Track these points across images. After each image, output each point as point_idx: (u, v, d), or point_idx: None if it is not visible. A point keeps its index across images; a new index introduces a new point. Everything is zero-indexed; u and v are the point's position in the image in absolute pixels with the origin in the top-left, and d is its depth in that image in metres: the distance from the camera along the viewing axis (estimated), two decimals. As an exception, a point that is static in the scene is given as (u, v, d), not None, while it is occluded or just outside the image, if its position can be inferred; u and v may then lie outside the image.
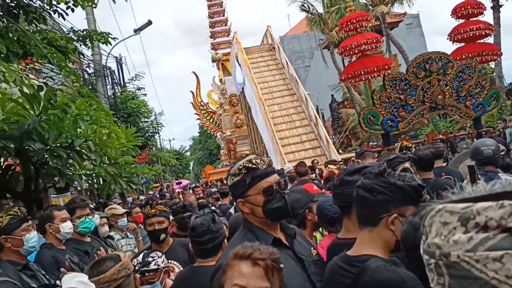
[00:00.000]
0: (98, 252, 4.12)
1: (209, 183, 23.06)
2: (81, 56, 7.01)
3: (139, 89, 17.45)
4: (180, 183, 22.49)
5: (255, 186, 2.17)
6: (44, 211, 3.88)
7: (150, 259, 2.96)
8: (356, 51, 10.76)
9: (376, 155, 6.76)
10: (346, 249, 2.06)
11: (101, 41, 6.35)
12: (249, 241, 2.01)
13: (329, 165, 11.31)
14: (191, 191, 10.31)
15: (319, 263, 2.30)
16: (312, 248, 2.40)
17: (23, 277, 2.92)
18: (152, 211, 3.92)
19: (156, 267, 2.93)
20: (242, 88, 23.67)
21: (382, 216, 1.84)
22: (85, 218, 4.17)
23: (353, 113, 30.57)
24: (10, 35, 4.93)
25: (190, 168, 68.76)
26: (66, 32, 6.40)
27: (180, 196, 12.57)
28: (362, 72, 10.51)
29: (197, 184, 24.28)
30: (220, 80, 36.85)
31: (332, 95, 38.82)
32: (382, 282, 1.73)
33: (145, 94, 18.02)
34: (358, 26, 10.85)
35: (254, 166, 2.17)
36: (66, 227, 3.79)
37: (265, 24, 30.10)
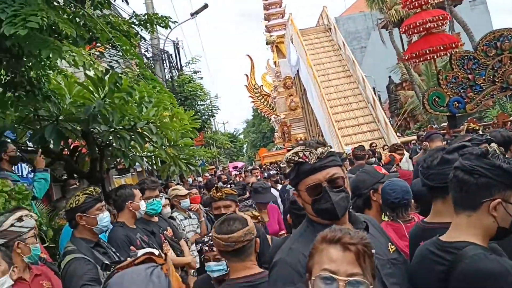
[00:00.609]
0: (165, 232, 4.19)
1: (263, 166, 23.12)
2: (139, 41, 7.10)
3: (195, 72, 17.65)
4: (236, 166, 22.72)
5: (303, 181, 1.97)
6: (124, 189, 3.98)
7: None
8: (421, 29, 10.25)
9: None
10: (438, 234, 1.91)
11: (161, 25, 6.39)
12: (307, 238, 1.92)
13: (384, 151, 10.98)
14: (249, 173, 10.32)
15: (396, 262, 2.01)
16: (389, 243, 2.11)
17: (95, 254, 3.01)
18: (218, 194, 3.75)
19: None
20: (297, 70, 23.43)
21: (483, 200, 1.69)
22: (153, 200, 4.23)
23: (412, 95, 29.55)
24: (77, 20, 5.03)
25: (244, 151, 69.40)
26: (128, 17, 6.48)
27: (237, 178, 12.68)
28: (427, 51, 10.02)
29: (254, 166, 24.47)
30: (274, 62, 36.64)
31: (390, 77, 37.65)
32: (483, 272, 1.59)
33: (201, 78, 18.26)
34: (423, 3, 10.32)
35: (300, 159, 1.96)
36: (143, 205, 3.90)
37: (319, 5, 29.48)
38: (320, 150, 1.96)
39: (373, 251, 1.54)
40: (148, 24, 6.36)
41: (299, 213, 2.85)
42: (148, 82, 5.11)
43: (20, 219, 2.83)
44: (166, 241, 4.01)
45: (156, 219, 4.35)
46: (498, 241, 1.79)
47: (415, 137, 16.14)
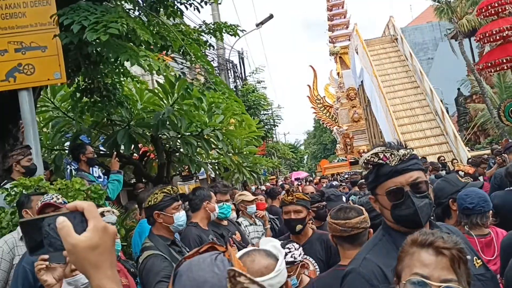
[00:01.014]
0: (234, 236, 4.22)
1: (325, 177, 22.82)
2: (207, 49, 7.28)
3: (259, 82, 17.83)
4: (298, 176, 22.58)
5: (382, 185, 1.82)
6: (201, 190, 4.10)
7: (286, 250, 2.74)
8: (497, 38, 9.72)
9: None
10: None
11: (230, 33, 6.50)
12: (383, 247, 1.83)
13: (455, 161, 10.51)
14: (306, 183, 10.18)
15: (483, 278, 1.85)
16: (475, 257, 1.91)
17: (172, 252, 3.07)
18: (289, 198, 3.59)
19: (292, 259, 2.73)
20: (361, 82, 23.05)
21: None
22: (223, 204, 4.29)
23: (482, 108, 28.13)
24: (152, 28, 5.21)
25: (304, 162, 69.06)
26: (198, 26, 6.65)
27: (299, 188, 12.57)
28: (505, 60, 9.49)
29: (314, 177, 24.22)
30: (338, 73, 36.32)
31: (459, 89, 36.13)
32: None
33: (265, 87, 18.38)
34: (500, 10, 9.82)
35: (380, 161, 1.81)
36: (217, 208, 3.98)
37: (385, 16, 29.01)
38: (402, 151, 1.82)
39: (469, 257, 1.43)
40: (217, 32, 6.50)
41: None
42: (218, 89, 5.19)
43: (102, 214, 2.94)
44: (235, 245, 4.02)
45: (225, 222, 4.40)
46: None
47: (486, 152, 15.37)
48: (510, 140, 8.87)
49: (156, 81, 5.84)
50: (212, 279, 1.29)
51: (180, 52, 5.73)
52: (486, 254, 3.03)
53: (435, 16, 29.30)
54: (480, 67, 10.50)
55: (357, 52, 23.14)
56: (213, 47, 7.36)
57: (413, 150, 1.90)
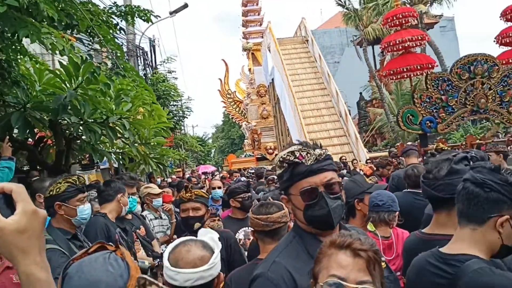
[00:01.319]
0: (138, 230, 4.04)
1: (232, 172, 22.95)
2: (117, 33, 6.91)
3: (170, 72, 17.41)
4: (206, 170, 22.43)
5: (296, 184, 1.78)
6: (116, 182, 3.84)
7: None
8: (400, 47, 10.39)
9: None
10: (438, 246, 1.85)
11: (142, 18, 6.22)
12: (293, 250, 1.80)
13: (354, 161, 11.10)
14: (217, 177, 10.14)
15: (387, 281, 1.79)
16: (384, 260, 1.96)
17: (72, 247, 2.83)
18: (187, 195, 3.43)
19: None
20: (272, 79, 23.46)
21: (491, 216, 1.64)
22: (130, 197, 4.08)
23: (381, 113, 30.08)
24: (56, 3, 4.81)
25: (211, 156, 69.00)
26: (108, 7, 6.28)
27: (206, 181, 12.50)
28: (405, 69, 10.17)
29: (220, 171, 24.25)
30: (249, 69, 36.64)
31: (361, 93, 38.28)
32: (488, 286, 1.53)
33: (176, 78, 18.02)
34: (404, 22, 10.50)
35: (296, 160, 1.77)
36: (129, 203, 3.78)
37: (297, 17, 29.76)
38: (318, 151, 1.80)
39: (383, 259, 1.46)
40: (128, 16, 6.17)
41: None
42: (127, 75, 4.92)
43: None
44: (138, 240, 3.85)
45: (129, 216, 4.20)
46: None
47: (383, 154, 16.39)
48: (405, 144, 9.49)
49: (59, 61, 5.40)
50: (107, 278, 1.23)
51: (88, 33, 5.37)
52: (387, 254, 3.19)
53: (343, 22, 30.72)
54: (383, 74, 11.16)
55: (269, 50, 23.50)
56: (124, 31, 7.00)
57: (327, 150, 1.89)
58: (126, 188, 4.12)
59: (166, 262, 1.84)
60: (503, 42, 10.62)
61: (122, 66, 4.81)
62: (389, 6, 22.90)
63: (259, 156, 29.99)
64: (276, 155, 24.78)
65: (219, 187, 6.21)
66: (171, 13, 16.10)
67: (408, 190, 4.54)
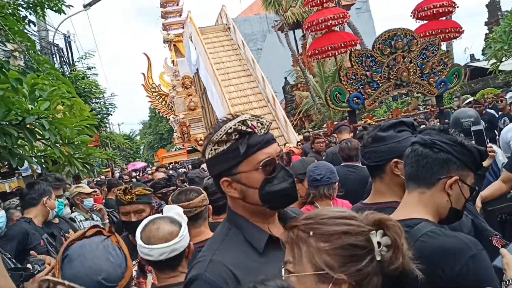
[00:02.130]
0: (66, 234, 3.71)
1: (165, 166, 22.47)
2: (28, 27, 6.38)
3: (89, 68, 16.54)
4: (135, 167, 21.74)
5: (249, 159, 1.52)
6: (40, 185, 3.49)
7: None
8: (323, 26, 10.50)
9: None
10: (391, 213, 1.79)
11: (53, 8, 5.77)
12: (232, 242, 1.58)
13: (287, 144, 11.22)
14: (156, 172, 9.75)
15: None
16: None
17: None
18: (127, 197, 2.99)
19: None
20: (197, 69, 23.11)
21: (440, 177, 1.58)
22: (57, 200, 3.73)
23: (307, 96, 30.65)
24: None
25: (140, 153, 67.29)
26: (13, -1, 5.74)
27: (143, 178, 12.04)
28: (329, 48, 10.28)
29: (153, 166, 23.62)
30: (172, 61, 35.91)
31: (285, 78, 38.81)
32: (443, 249, 1.45)
33: (96, 74, 17.15)
34: (325, 1, 10.60)
35: (249, 129, 1.52)
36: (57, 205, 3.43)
37: (217, 6, 29.52)
38: (266, 120, 1.59)
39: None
40: (38, 8, 5.69)
41: (212, 199, 2.80)
42: (41, 69, 4.50)
43: None
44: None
45: (56, 220, 3.85)
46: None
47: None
48: (334, 123, 9.64)
49: (-39, 61, 4.86)
50: (108, 268, 1.35)
51: (-9, 28, 4.86)
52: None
53: (263, 8, 30.80)
54: (309, 54, 11.23)
55: (191, 40, 23.09)
56: (34, 23, 6.45)
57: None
58: (52, 190, 3.79)
59: (139, 241, 2.01)
60: (419, 16, 11.06)
61: (34, 59, 4.39)
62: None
63: (189, 148, 29.54)
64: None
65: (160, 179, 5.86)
66: (85, 6, 15.28)
67: (343, 164, 4.64)
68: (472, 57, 31.54)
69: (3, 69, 4.35)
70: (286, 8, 28.39)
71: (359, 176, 4.19)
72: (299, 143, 11.62)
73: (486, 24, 30.92)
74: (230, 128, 1.52)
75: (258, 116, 1.60)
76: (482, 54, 28.30)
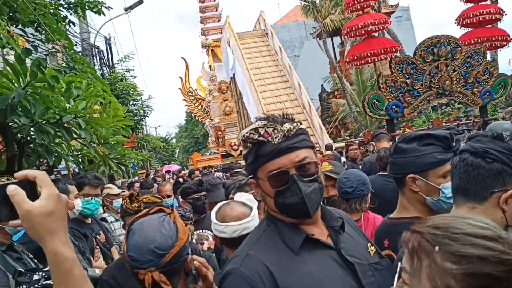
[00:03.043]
0: (98, 236, 3.65)
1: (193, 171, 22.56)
2: (68, 27, 6.46)
3: (128, 71, 16.83)
4: (169, 169, 21.92)
5: (262, 168, 1.51)
6: (56, 184, 3.40)
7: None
8: (363, 32, 10.27)
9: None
10: (401, 230, 1.64)
11: (93, 9, 5.81)
12: (269, 239, 1.53)
13: (327, 152, 11.03)
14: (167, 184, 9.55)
15: (379, 267, 1.61)
16: (369, 244, 1.68)
17: (7, 260, 2.40)
18: (133, 205, 2.90)
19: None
20: (233, 74, 23.19)
21: (494, 190, 1.40)
22: (92, 199, 3.67)
23: (343, 104, 30.27)
24: (-5, -7, 4.37)
25: (176, 156, 68.18)
26: (55, -1, 5.83)
27: (170, 180, 12.07)
28: (369, 54, 10.05)
29: (187, 169, 23.81)
30: (210, 66, 36.19)
31: (322, 85, 38.50)
32: None
33: (134, 76, 17.43)
34: (365, 6, 10.37)
35: (261, 138, 1.48)
36: (78, 204, 3.36)
37: (255, 12, 29.65)
38: (287, 126, 1.51)
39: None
40: (78, 8, 5.75)
41: None
42: (78, 67, 4.53)
43: None
44: (98, 246, 3.46)
45: (89, 220, 3.79)
46: None
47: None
48: (372, 131, 9.40)
49: (4, 59, 4.93)
50: (159, 238, 1.59)
51: (34, 28, 4.93)
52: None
53: (302, 14, 30.72)
54: (347, 60, 11.02)
55: (229, 45, 23.19)
56: (74, 24, 6.55)
57: (301, 124, 1.60)
58: (89, 188, 3.74)
59: (214, 220, 2.22)
60: (464, 23, 10.68)
61: (70, 57, 4.40)
62: (344, 1, 22.99)
63: (224, 153, 29.61)
64: (240, 151, 24.41)
65: (169, 196, 5.28)
66: (126, 9, 15.55)
67: (380, 173, 4.48)
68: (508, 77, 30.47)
69: (40, 67, 4.39)
70: (325, 15, 28.19)
71: (396, 187, 4.02)
72: (335, 150, 11.42)
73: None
74: (243, 136, 1.52)
75: (278, 122, 1.52)
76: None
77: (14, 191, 1.07)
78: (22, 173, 1.12)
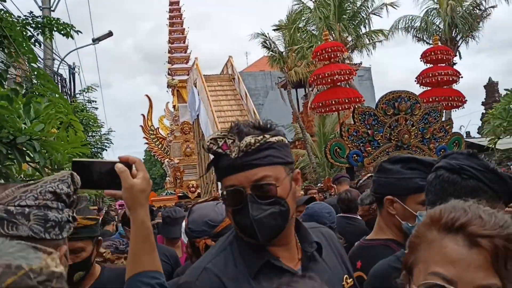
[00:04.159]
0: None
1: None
2: (35, 45, 6.32)
3: (90, 101, 16.52)
4: (122, 204, 21.27)
5: (222, 181, 1.39)
6: None
7: None
8: (329, 80, 10.58)
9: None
10: (376, 251, 1.65)
11: (62, 32, 5.72)
12: (227, 256, 1.41)
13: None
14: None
15: None
16: (346, 276, 1.52)
17: None
18: None
19: None
20: (197, 115, 23.21)
21: None
22: None
23: (303, 154, 30.66)
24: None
25: (130, 195, 66.37)
26: (24, 17, 5.71)
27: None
28: (333, 102, 10.31)
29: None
30: (174, 106, 36.21)
31: (284, 134, 39.03)
32: None
33: (96, 108, 17.08)
34: (333, 56, 10.74)
35: (219, 150, 1.35)
36: None
37: (223, 59, 30.17)
38: (247, 140, 1.32)
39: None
40: (46, 29, 5.64)
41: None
42: (42, 83, 4.36)
43: None
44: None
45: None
46: None
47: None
48: (331, 178, 9.47)
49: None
50: (212, 214, 2.05)
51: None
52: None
53: (269, 64, 31.41)
54: (312, 107, 11.25)
55: (195, 86, 23.34)
56: (40, 44, 6.41)
57: (272, 137, 1.38)
58: None
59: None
60: (423, 82, 11.21)
61: (33, 71, 4.25)
62: (313, 50, 23.78)
63: (180, 194, 29.14)
64: (198, 193, 23.86)
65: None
66: (94, 40, 15.44)
67: (341, 214, 4.46)
68: (468, 134, 31.95)
69: (1, 79, 4.21)
70: (291, 66, 28.94)
71: (358, 229, 3.99)
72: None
73: (483, 104, 31.61)
74: (205, 144, 1.40)
75: (242, 133, 1.35)
76: (478, 133, 28.68)
77: (123, 168, 1.34)
78: (126, 156, 1.38)
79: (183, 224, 4.01)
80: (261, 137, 1.34)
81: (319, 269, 1.43)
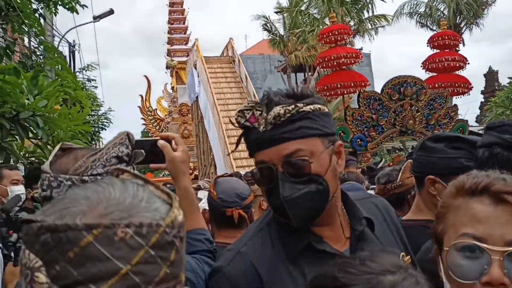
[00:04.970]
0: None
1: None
2: (39, 19, 6.18)
3: (89, 80, 16.32)
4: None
5: (254, 156, 1.28)
6: None
7: None
8: (335, 63, 10.43)
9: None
10: (411, 233, 1.48)
11: (67, 6, 5.58)
12: (261, 239, 1.31)
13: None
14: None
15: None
16: (402, 254, 1.35)
17: None
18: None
19: None
20: (196, 97, 23.04)
21: None
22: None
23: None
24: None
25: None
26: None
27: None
28: (339, 85, 10.18)
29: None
30: (172, 88, 35.94)
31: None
32: None
33: (95, 87, 16.90)
34: (339, 39, 10.60)
35: (247, 123, 1.24)
36: (16, 191, 3.06)
37: (221, 41, 29.84)
38: (276, 110, 1.19)
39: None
40: (51, 2, 5.49)
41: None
42: (49, 56, 4.26)
43: None
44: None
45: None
46: None
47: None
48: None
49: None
50: (241, 187, 2.30)
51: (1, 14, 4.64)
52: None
53: (269, 47, 31.20)
54: (317, 90, 11.14)
55: (195, 68, 23.12)
56: (44, 18, 6.28)
57: (307, 105, 1.22)
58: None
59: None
60: (429, 67, 11.11)
61: (41, 44, 4.15)
62: (314, 34, 23.56)
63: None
64: (195, 175, 23.81)
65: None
66: (95, 17, 15.21)
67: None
68: (466, 123, 31.92)
69: (8, 51, 4.11)
70: (292, 50, 28.73)
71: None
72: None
73: (482, 92, 31.50)
74: (234, 117, 1.30)
75: (272, 103, 1.22)
76: (476, 122, 28.62)
77: (165, 143, 1.52)
78: (165, 134, 1.59)
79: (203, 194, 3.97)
80: (293, 106, 1.20)
81: (371, 248, 1.27)
